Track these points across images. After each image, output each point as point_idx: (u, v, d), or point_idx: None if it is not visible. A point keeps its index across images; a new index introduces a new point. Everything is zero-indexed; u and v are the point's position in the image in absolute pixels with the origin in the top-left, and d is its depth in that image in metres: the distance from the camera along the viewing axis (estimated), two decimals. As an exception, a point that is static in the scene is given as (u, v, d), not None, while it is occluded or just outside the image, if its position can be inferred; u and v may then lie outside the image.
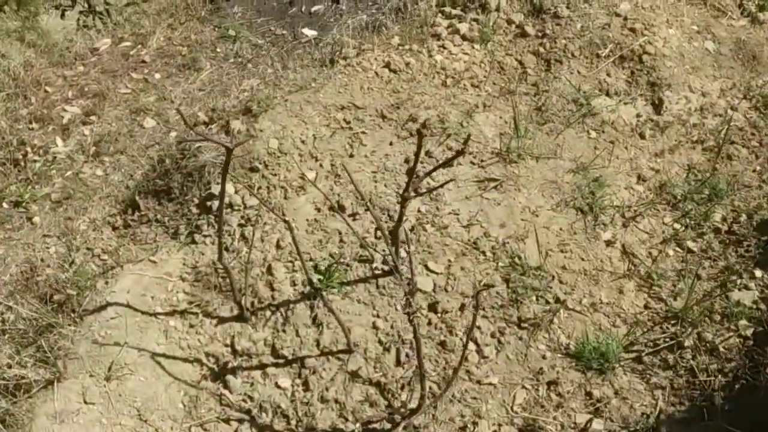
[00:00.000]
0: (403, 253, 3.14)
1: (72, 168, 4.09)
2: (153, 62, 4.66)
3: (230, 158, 2.31)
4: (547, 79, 3.97)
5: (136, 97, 4.42)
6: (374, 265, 3.21)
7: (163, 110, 4.31)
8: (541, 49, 4.10)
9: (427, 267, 3.18)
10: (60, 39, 4.81)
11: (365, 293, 3.14)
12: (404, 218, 2.78)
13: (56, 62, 4.68)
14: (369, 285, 3.17)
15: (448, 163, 2.45)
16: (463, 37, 4.20)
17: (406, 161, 3.53)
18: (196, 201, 3.57)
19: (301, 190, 3.47)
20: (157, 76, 4.56)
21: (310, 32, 4.66)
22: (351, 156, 3.55)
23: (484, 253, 3.22)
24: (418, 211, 3.35)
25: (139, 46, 4.78)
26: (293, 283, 3.20)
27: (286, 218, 2.72)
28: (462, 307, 3.07)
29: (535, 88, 3.94)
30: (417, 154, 2.38)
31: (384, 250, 3.25)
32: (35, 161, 4.13)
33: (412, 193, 2.61)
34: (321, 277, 2.79)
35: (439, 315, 3.05)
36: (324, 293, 2.77)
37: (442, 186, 2.75)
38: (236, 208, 3.44)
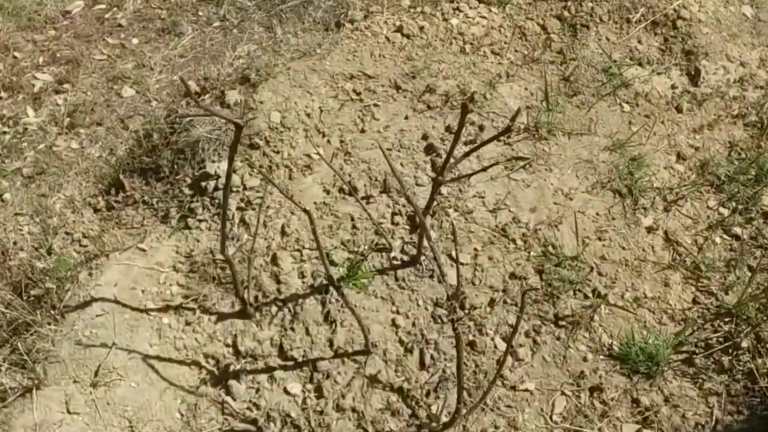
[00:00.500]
0: (426, 242, 2.81)
1: (45, 140, 3.70)
2: (130, 26, 4.23)
3: (240, 136, 1.95)
4: (573, 46, 3.62)
5: (113, 63, 4.00)
6: (392, 255, 2.87)
7: (142, 78, 3.91)
8: (566, 13, 3.73)
9: (451, 257, 2.86)
10: (28, 1, 4.35)
11: (383, 287, 2.81)
12: (433, 203, 2.44)
13: (25, 26, 4.23)
14: (387, 277, 2.84)
15: (492, 141, 2.10)
16: (479, -1, 3.82)
17: (424, 137, 3.17)
18: (189, 181, 3.20)
19: (308, 169, 3.10)
20: (135, 41, 4.14)
21: (300, -6, 4.22)
22: (362, 131, 3.19)
23: (514, 241, 2.90)
24: (439, 193, 3.01)
25: (115, 8, 4.35)
26: (301, 275, 2.86)
27: (297, 201, 2.37)
28: (491, 303, 2.76)
29: (561, 56, 3.59)
30: (458, 131, 2.03)
31: (402, 238, 2.92)
32: (4, 133, 3.72)
33: (450, 174, 2.28)
34: (343, 275, 2.44)
35: (467, 311, 2.74)
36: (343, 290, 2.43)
37: (485, 170, 2.40)
38: (235, 189, 3.07)
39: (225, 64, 3.66)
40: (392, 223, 2.97)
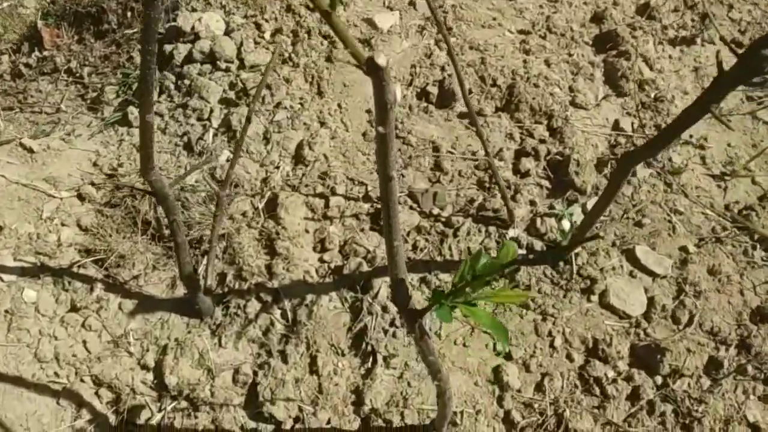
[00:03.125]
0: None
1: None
2: None
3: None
4: None
5: None
6: (509, 233, 1.40)
7: None
8: None
9: (636, 261, 1.37)
10: None
11: (483, 296, 1.33)
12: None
13: None
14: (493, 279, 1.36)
15: None
16: None
17: (596, 19, 1.66)
18: (146, 40, 1.74)
19: (365, 44, 1.63)
20: None
21: None
22: None
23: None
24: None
25: None
26: (321, 246, 1.41)
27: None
28: (710, 365, 1.28)
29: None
30: None
31: (533, 203, 1.43)
32: None
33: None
34: (442, 288, 0.91)
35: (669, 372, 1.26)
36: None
37: None
38: (224, 66, 1.61)
39: None
40: (516, 171, 1.48)
